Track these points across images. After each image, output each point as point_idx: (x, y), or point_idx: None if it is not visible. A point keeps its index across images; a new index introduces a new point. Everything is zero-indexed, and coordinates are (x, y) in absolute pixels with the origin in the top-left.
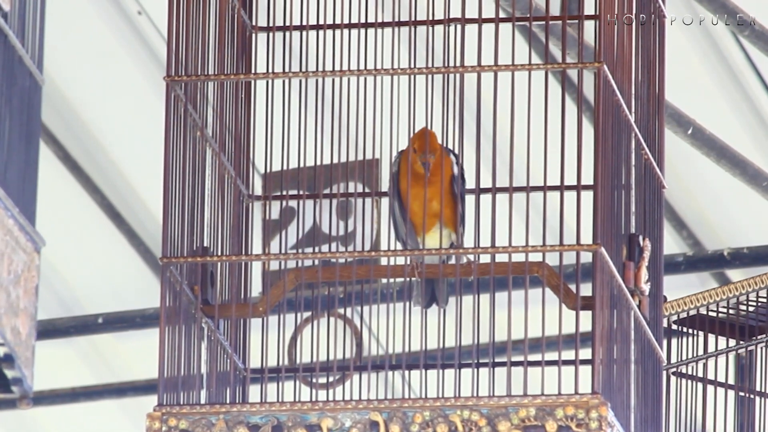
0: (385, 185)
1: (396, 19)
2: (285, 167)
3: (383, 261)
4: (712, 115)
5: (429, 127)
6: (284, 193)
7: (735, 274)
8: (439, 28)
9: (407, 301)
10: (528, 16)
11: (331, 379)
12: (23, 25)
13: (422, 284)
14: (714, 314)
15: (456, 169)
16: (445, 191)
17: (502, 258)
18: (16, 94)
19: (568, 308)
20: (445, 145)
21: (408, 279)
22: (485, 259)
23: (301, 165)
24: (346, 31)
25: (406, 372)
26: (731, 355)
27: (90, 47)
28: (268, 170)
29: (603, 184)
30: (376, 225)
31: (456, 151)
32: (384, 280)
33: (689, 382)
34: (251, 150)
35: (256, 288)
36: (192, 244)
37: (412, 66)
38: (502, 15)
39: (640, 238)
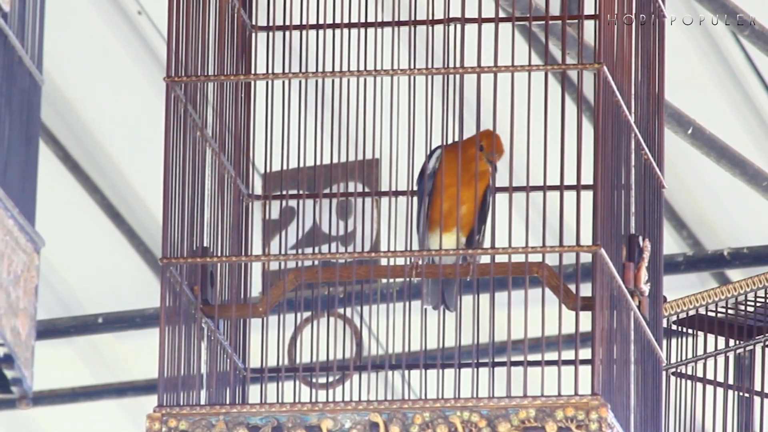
0: (384, 185)
1: (396, 19)
2: (285, 167)
3: (383, 261)
4: (712, 115)
5: (428, 128)
6: (284, 192)
7: (735, 274)
8: (438, 28)
9: (407, 301)
10: (528, 15)
11: (330, 379)
12: (23, 26)
13: (429, 284)
14: (713, 314)
15: (491, 181)
16: (479, 198)
17: (501, 258)
18: (16, 95)
19: (567, 309)
20: (444, 144)
21: (409, 279)
22: (485, 259)
23: (301, 165)
24: (345, 31)
25: (406, 372)
26: (731, 355)
27: (90, 47)
28: (268, 170)
29: (603, 184)
30: (376, 225)
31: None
32: (384, 280)
33: (689, 382)
34: (251, 150)
35: (256, 288)
36: (192, 244)
37: (412, 66)
38: (501, 15)
39: (640, 238)
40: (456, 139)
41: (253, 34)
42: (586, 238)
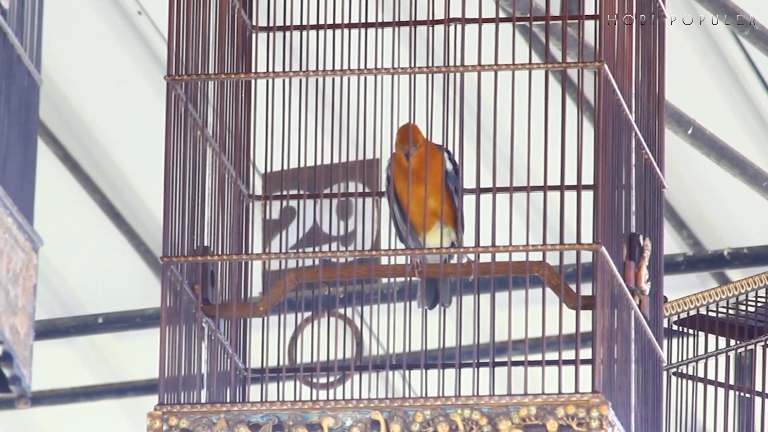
0: (385, 185)
1: (396, 19)
2: (285, 167)
3: (384, 260)
4: (712, 115)
5: (429, 127)
6: (284, 192)
7: (735, 274)
8: (439, 28)
9: (408, 301)
10: (528, 15)
11: (331, 379)
12: (22, 24)
13: (424, 284)
14: (714, 314)
15: (449, 165)
16: (440, 188)
17: (502, 257)
18: (15, 93)
19: (568, 308)
20: (444, 144)
21: (409, 279)
22: (486, 258)
23: (302, 165)
24: (346, 30)
25: (407, 372)
26: (731, 355)
27: (90, 47)
28: (269, 170)
29: (603, 183)
30: (377, 224)
31: (450, 148)
32: (384, 280)
33: (689, 382)
34: (251, 149)
35: (256, 288)
36: (192, 243)
37: (413, 65)
38: (502, 15)
39: (641, 237)
40: (456, 138)
41: (254, 34)
42: (587, 237)
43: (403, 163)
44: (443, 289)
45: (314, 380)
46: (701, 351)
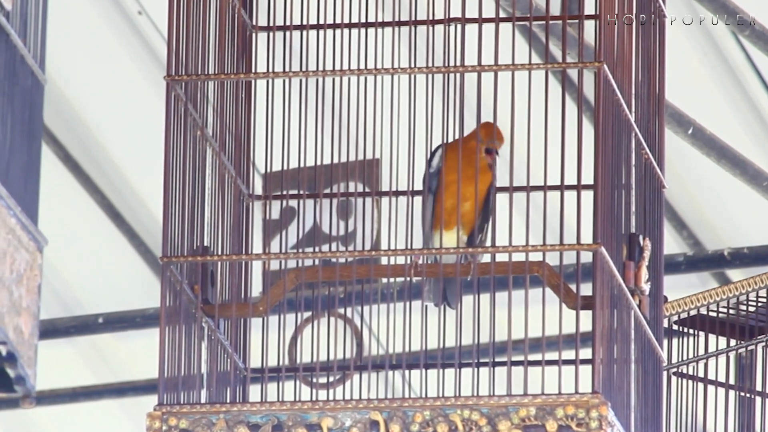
0: (385, 185)
1: (396, 19)
2: (285, 167)
3: (384, 260)
4: (712, 115)
5: (429, 127)
6: (284, 192)
7: (735, 274)
8: (439, 28)
9: (407, 301)
10: (528, 15)
11: (331, 379)
12: (25, 24)
13: (431, 281)
14: (714, 314)
15: (493, 178)
16: (481, 196)
17: (502, 257)
18: (18, 94)
19: (568, 308)
20: (445, 142)
21: (409, 279)
22: (485, 258)
23: (302, 165)
24: (346, 30)
25: (407, 372)
26: (731, 355)
27: (90, 47)
28: (269, 170)
29: (603, 183)
30: (377, 225)
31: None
32: (384, 280)
33: (690, 382)
34: (251, 149)
35: (256, 288)
36: (192, 243)
37: (413, 65)
38: (502, 15)
39: (641, 237)
40: (456, 138)
41: (254, 34)
42: (587, 237)
43: (473, 157)
44: (450, 290)
45: (314, 380)
46: (701, 351)
